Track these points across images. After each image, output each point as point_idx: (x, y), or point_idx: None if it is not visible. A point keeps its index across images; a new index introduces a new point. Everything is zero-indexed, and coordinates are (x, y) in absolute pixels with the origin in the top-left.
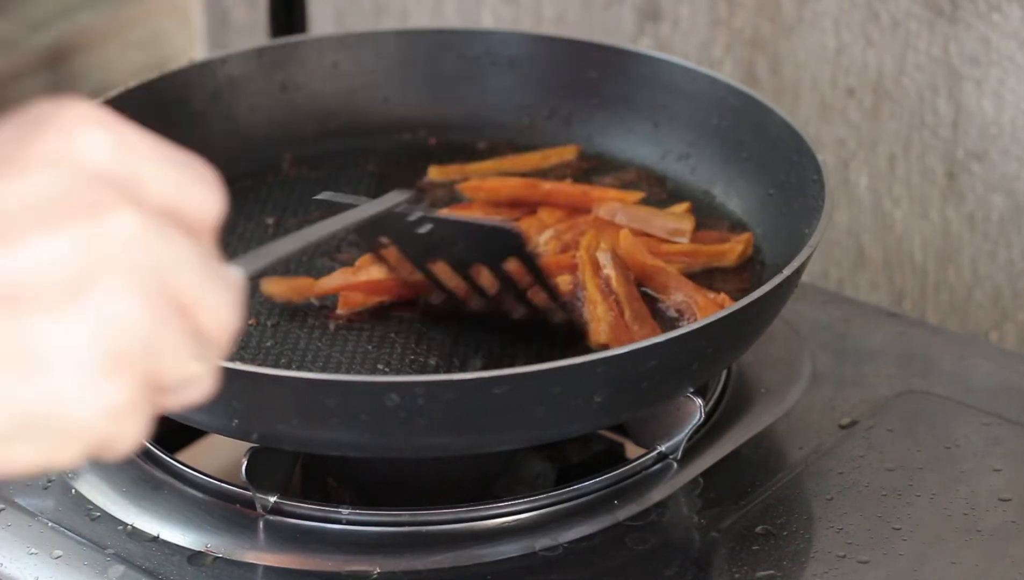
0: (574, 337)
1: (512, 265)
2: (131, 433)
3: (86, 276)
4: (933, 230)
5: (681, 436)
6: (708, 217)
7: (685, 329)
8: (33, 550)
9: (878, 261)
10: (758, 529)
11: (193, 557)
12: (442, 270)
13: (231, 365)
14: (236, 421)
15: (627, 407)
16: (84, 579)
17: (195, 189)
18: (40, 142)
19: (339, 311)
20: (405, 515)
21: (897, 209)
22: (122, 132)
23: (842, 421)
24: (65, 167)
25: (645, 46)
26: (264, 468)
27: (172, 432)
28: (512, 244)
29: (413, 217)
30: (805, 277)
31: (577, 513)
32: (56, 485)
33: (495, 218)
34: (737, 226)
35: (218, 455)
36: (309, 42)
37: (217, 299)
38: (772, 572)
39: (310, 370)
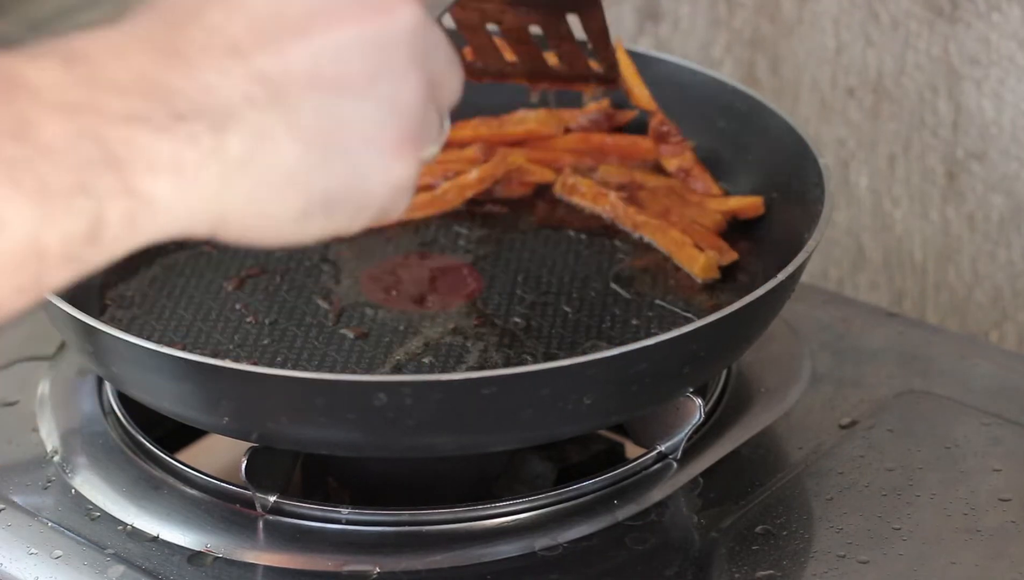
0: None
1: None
2: (406, 199)
3: (378, 65)
4: (933, 230)
5: (681, 436)
6: None
7: (677, 332)
8: (33, 550)
9: (878, 261)
10: (758, 529)
11: (193, 557)
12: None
13: (221, 363)
14: (227, 419)
15: (619, 410)
16: (84, 579)
17: (453, 71)
18: None
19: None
20: (405, 515)
21: (897, 209)
22: None
23: (842, 421)
24: None
25: (645, 46)
26: (264, 468)
27: (172, 432)
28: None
29: None
30: (805, 277)
31: (577, 513)
32: (56, 485)
33: None
34: (738, 227)
35: (218, 455)
36: None
37: (455, 77)
38: (772, 572)
39: (305, 369)
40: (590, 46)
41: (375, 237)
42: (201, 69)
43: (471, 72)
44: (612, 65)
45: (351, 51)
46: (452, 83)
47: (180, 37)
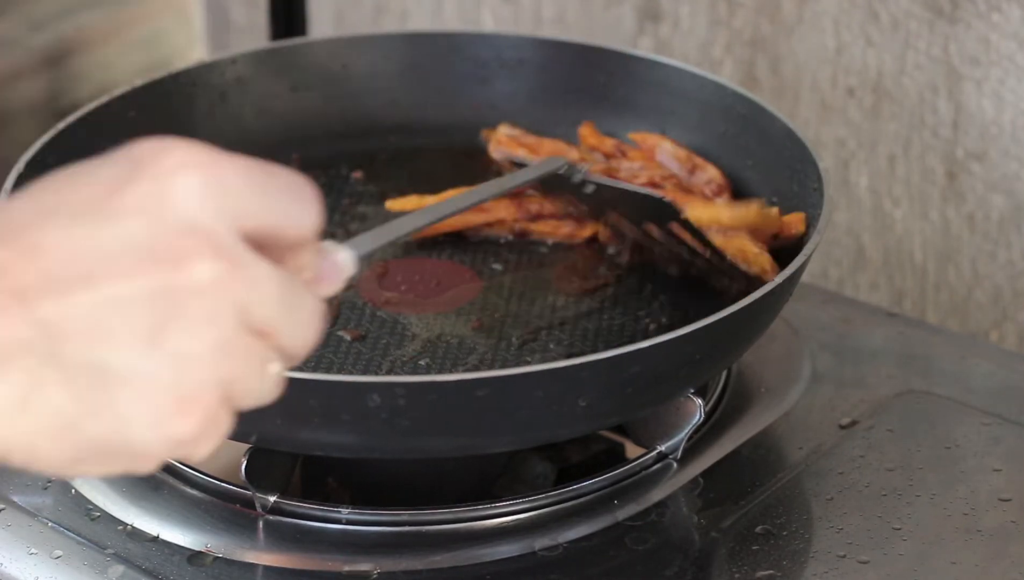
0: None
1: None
2: (201, 452)
3: (165, 321)
4: (933, 230)
5: (681, 436)
6: None
7: (674, 334)
8: (33, 550)
9: (878, 261)
10: (758, 529)
11: (193, 557)
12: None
13: None
14: None
15: (616, 412)
16: (84, 579)
17: (291, 210)
18: (135, 186)
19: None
20: (405, 515)
21: (897, 209)
22: (220, 174)
23: (842, 421)
24: (155, 214)
25: (645, 46)
26: (264, 468)
27: None
28: (666, 213)
29: (576, 178)
30: (805, 277)
31: (577, 513)
32: (56, 485)
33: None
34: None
35: (217, 455)
36: (318, 44)
37: (298, 326)
38: (772, 572)
39: (300, 370)
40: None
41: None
42: None
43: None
44: (720, 258)
45: (131, 305)
46: (291, 334)
47: None
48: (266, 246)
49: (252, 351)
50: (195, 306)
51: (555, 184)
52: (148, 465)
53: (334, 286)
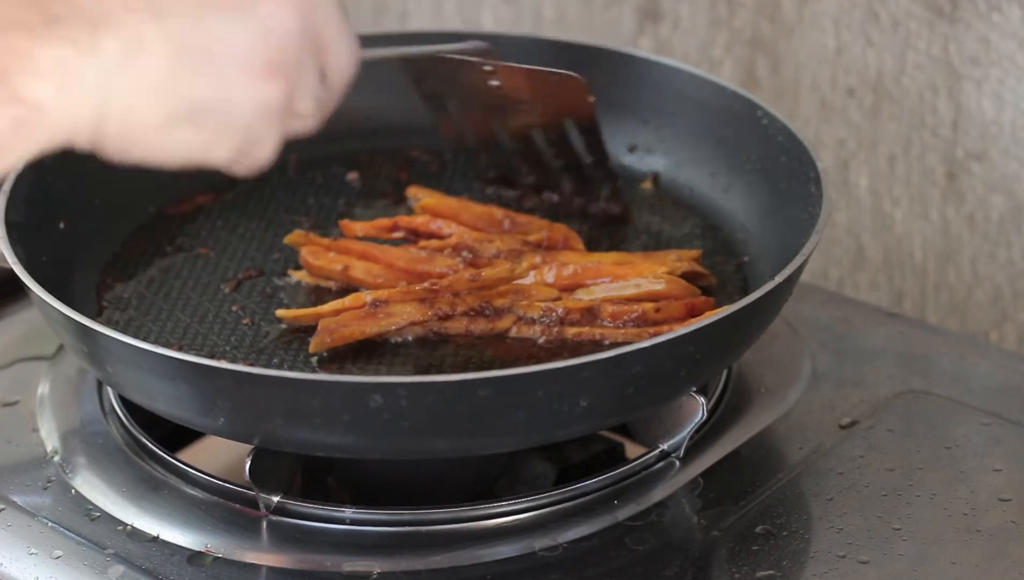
0: (619, 218)
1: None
2: (267, 144)
3: None
4: (933, 230)
5: (683, 434)
6: (711, 219)
7: (674, 334)
8: (33, 550)
9: (878, 261)
10: (758, 529)
11: (193, 557)
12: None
13: (216, 363)
14: (222, 420)
15: (617, 412)
16: (84, 579)
17: None
18: None
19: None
20: (407, 515)
21: (897, 209)
22: None
23: (842, 421)
24: None
25: (645, 46)
26: (267, 468)
27: (172, 432)
28: (575, 93)
29: (487, 67)
30: (805, 277)
31: (577, 513)
32: (56, 485)
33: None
34: (739, 229)
35: (218, 455)
36: None
37: (345, 45)
38: (772, 572)
39: (301, 371)
40: (589, 160)
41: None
42: None
43: (486, 179)
44: (620, 195)
45: None
46: (341, 54)
47: None
48: None
49: (314, 59)
50: None
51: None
52: (227, 140)
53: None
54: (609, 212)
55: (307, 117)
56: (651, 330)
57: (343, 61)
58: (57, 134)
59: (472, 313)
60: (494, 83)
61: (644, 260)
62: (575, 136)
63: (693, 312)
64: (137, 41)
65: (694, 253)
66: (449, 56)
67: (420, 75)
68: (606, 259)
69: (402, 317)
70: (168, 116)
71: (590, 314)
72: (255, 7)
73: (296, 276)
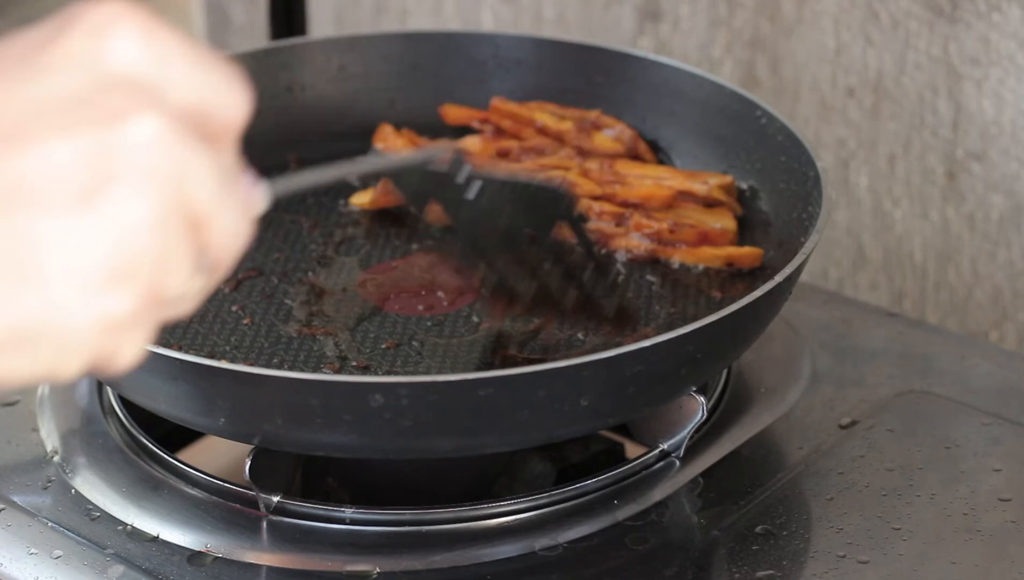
0: (623, 321)
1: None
2: (130, 347)
3: (99, 182)
4: (933, 230)
5: (683, 434)
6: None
7: (674, 333)
8: (33, 550)
9: (878, 261)
10: (758, 529)
11: (193, 557)
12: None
13: (217, 363)
14: (223, 420)
15: (617, 411)
16: (84, 579)
17: (222, 91)
18: (67, 41)
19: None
20: (407, 514)
21: (897, 209)
22: (153, 32)
23: (842, 421)
24: (89, 68)
25: (645, 46)
26: (267, 468)
27: (172, 432)
28: (561, 204)
29: (461, 178)
30: (805, 277)
31: (577, 513)
32: (56, 485)
33: (543, 176)
34: (738, 229)
35: (218, 455)
36: (315, 44)
37: (230, 216)
38: (772, 572)
39: (302, 370)
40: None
41: (374, 238)
42: None
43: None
44: (604, 274)
45: (64, 164)
46: (222, 225)
47: None
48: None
49: (185, 240)
50: (133, 166)
51: (434, 188)
52: (73, 361)
53: (248, 212)
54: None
55: (186, 300)
56: (666, 250)
57: (227, 232)
58: None
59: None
60: (471, 195)
61: (685, 178)
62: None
63: (706, 240)
64: None
65: (725, 180)
66: (404, 167)
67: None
68: (648, 172)
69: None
70: None
71: (621, 218)
72: (95, 204)
73: (355, 203)
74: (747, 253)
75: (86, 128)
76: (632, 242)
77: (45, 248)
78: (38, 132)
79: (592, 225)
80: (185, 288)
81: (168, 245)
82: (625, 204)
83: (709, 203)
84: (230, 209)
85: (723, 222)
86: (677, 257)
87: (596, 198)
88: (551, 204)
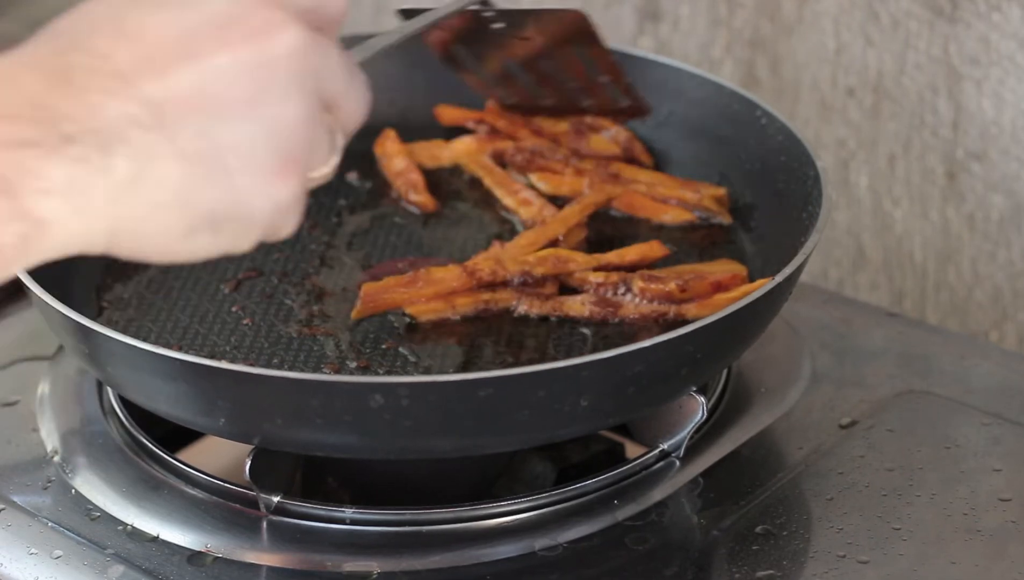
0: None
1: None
2: (293, 220)
3: (260, 87)
4: (933, 230)
5: (683, 434)
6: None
7: (674, 333)
8: (33, 550)
9: (878, 261)
10: (758, 529)
11: (193, 557)
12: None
13: (217, 363)
14: (223, 421)
15: (617, 411)
16: (84, 579)
17: None
18: None
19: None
20: (407, 514)
21: (897, 209)
22: None
23: (842, 421)
24: None
25: (645, 46)
26: (267, 468)
27: (172, 432)
28: (578, 26)
29: (487, 13)
30: (805, 277)
31: (577, 513)
32: (56, 485)
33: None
34: (738, 228)
35: (218, 455)
36: None
37: (356, 99)
38: (772, 572)
39: (302, 371)
40: (605, 79)
41: (374, 238)
42: (88, 93)
43: (505, 105)
44: (636, 95)
45: (231, 74)
46: (351, 106)
47: (68, 63)
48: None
49: (325, 122)
50: (285, 72)
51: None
52: (249, 237)
53: (365, 88)
54: (632, 110)
55: (325, 175)
56: (680, 308)
57: (353, 110)
58: (65, 247)
59: (519, 282)
60: (497, 26)
61: (679, 185)
62: (586, 58)
63: (720, 288)
64: (149, 158)
65: (719, 192)
66: (446, 18)
67: (426, 44)
68: (642, 177)
69: (442, 285)
70: (184, 229)
71: (624, 284)
72: (261, 106)
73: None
74: (761, 286)
75: (242, 44)
76: (643, 308)
77: (225, 147)
78: (206, 49)
79: (594, 297)
80: (328, 158)
81: (316, 133)
82: (619, 269)
83: (700, 245)
84: (355, 92)
85: (729, 268)
86: (692, 311)
87: (591, 269)
88: (569, 27)
